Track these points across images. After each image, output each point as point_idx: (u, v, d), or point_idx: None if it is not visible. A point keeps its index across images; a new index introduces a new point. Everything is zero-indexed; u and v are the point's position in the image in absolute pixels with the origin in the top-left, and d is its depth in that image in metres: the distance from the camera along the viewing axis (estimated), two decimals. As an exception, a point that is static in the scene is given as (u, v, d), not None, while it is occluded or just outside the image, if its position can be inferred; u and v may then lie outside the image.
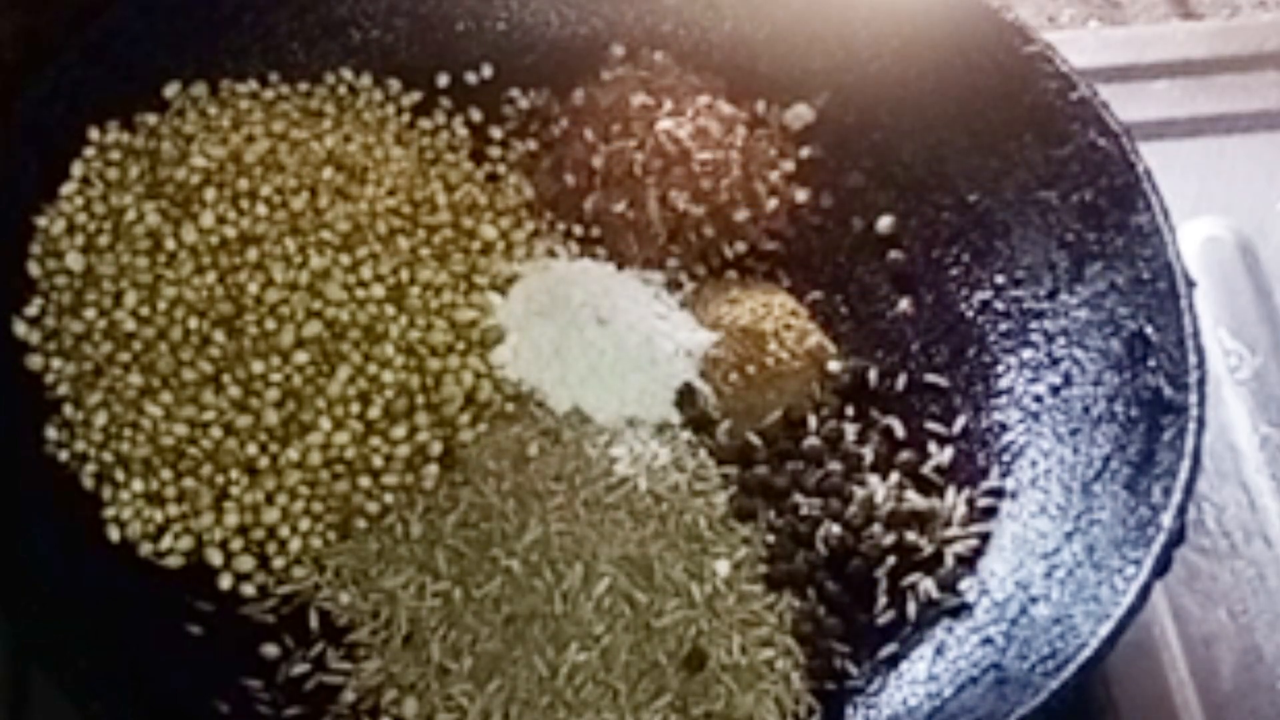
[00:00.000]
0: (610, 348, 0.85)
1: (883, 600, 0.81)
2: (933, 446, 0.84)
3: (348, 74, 0.92)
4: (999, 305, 0.87)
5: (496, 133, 0.92)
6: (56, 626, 0.76)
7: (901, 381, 0.86)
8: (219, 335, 0.83)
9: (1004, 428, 0.84)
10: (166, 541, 0.81)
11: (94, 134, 0.87)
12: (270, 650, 0.79)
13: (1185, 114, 0.99)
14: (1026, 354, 0.86)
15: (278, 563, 0.81)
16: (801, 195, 0.92)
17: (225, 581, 0.80)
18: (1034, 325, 0.86)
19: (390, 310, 0.85)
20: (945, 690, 0.78)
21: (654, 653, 0.78)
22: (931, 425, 0.85)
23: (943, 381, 0.87)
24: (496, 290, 0.87)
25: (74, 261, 0.84)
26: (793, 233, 0.91)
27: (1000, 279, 0.88)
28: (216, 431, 0.82)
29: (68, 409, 0.82)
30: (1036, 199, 0.87)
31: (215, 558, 0.81)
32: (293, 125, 0.88)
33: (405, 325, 0.85)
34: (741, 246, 0.90)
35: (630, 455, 0.82)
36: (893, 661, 0.79)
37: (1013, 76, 0.88)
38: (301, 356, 0.83)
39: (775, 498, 0.83)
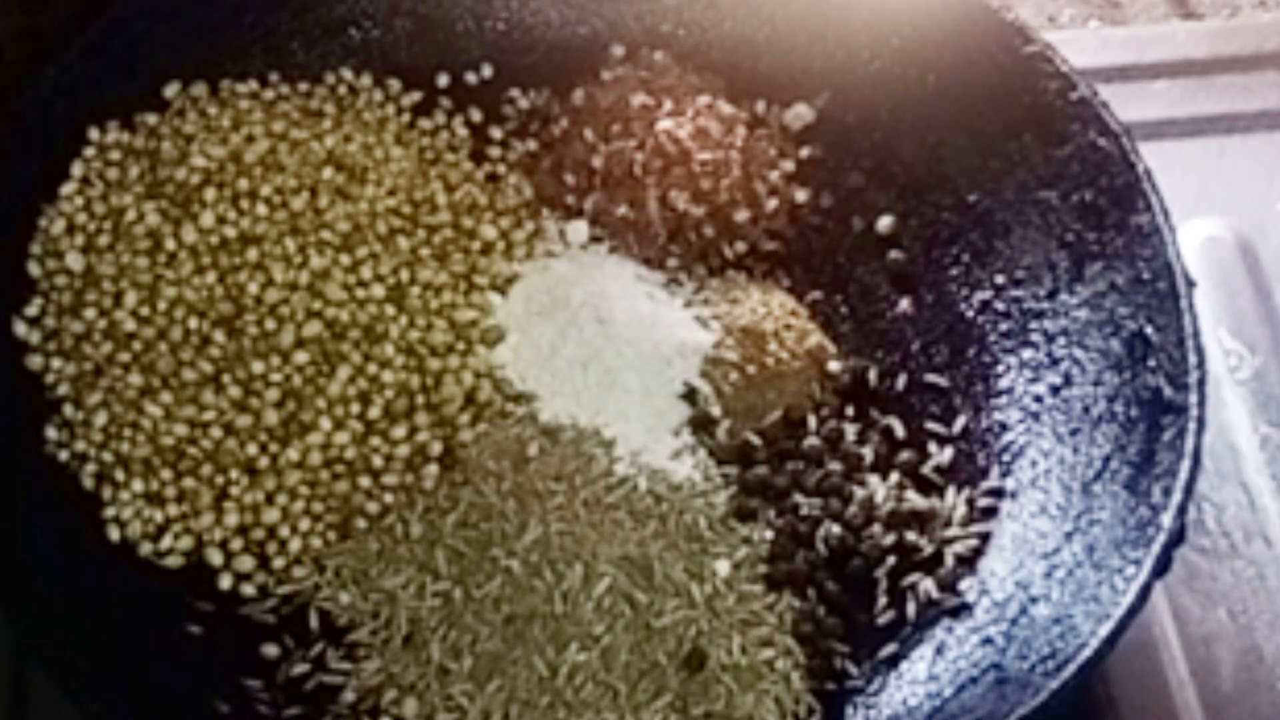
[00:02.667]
0: (610, 348, 0.85)
1: (883, 600, 0.81)
2: (933, 446, 0.84)
3: (348, 74, 0.92)
4: (999, 305, 0.87)
5: (496, 133, 0.92)
6: (56, 626, 0.76)
7: (901, 381, 0.86)
8: (219, 335, 0.83)
9: (1004, 428, 0.84)
10: (166, 541, 0.81)
11: (94, 134, 0.87)
12: (270, 650, 0.79)
13: (1185, 114, 0.99)
14: (1026, 354, 0.86)
15: (278, 563, 0.81)
16: (801, 195, 0.92)
17: (225, 581, 0.80)
18: (1034, 325, 0.86)
19: (390, 310, 0.85)
20: (945, 690, 0.78)
21: (654, 653, 0.78)
22: (931, 425, 0.85)
23: (943, 381, 0.87)
24: (496, 290, 0.87)
25: (74, 261, 0.84)
26: (793, 233, 0.91)
27: (1000, 279, 0.88)
28: (216, 431, 0.82)
29: (68, 409, 0.82)
30: (1036, 199, 0.87)
31: (215, 558, 0.81)
32: (293, 125, 0.88)
33: (405, 325, 0.85)
34: (741, 246, 0.90)
35: (630, 455, 0.82)
36: (893, 661, 0.79)
37: (1013, 76, 0.88)
38: (301, 356, 0.83)
39: (775, 498, 0.83)
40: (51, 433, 0.82)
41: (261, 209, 0.85)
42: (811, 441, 0.84)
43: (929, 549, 0.81)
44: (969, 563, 0.81)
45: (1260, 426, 0.89)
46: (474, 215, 0.89)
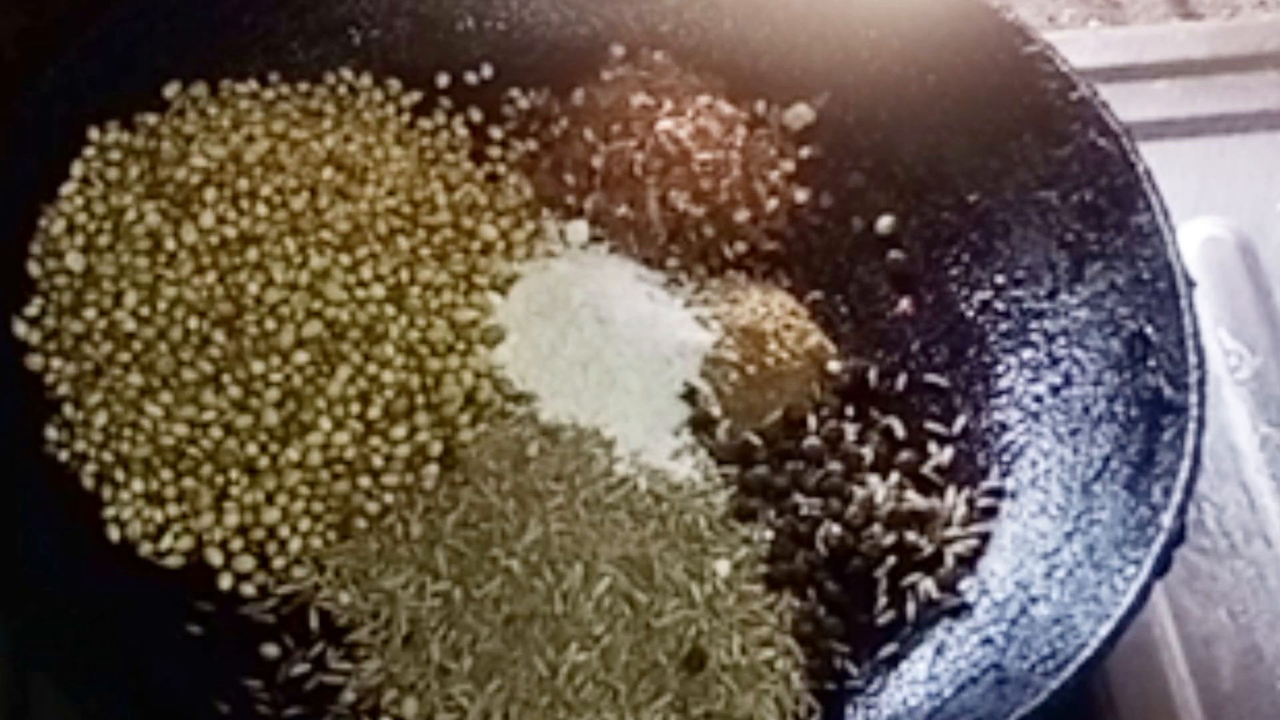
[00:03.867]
0: (610, 348, 0.85)
1: (883, 600, 0.81)
2: (933, 446, 0.84)
3: (348, 74, 0.92)
4: (999, 305, 0.87)
5: (496, 133, 0.92)
6: (56, 626, 0.76)
7: (901, 381, 0.86)
8: (219, 335, 0.83)
9: (1004, 428, 0.84)
10: (166, 541, 0.81)
11: (94, 134, 0.87)
12: (270, 650, 0.79)
13: (1185, 114, 0.99)
14: (1026, 354, 0.86)
15: (278, 563, 0.81)
16: (801, 195, 0.92)
17: (225, 581, 0.80)
18: (1034, 325, 0.86)
19: (390, 310, 0.85)
20: (945, 690, 0.78)
21: (654, 653, 0.78)
22: (931, 425, 0.85)
23: (943, 381, 0.87)
24: (496, 290, 0.87)
25: (74, 261, 0.84)
26: (793, 233, 0.91)
27: (1000, 279, 0.88)
28: (216, 431, 0.82)
29: (68, 409, 0.82)
30: (1036, 199, 0.87)
31: (215, 558, 0.81)
32: (293, 125, 0.88)
33: (405, 325, 0.85)
34: (741, 246, 0.90)
35: (630, 455, 0.82)
36: (893, 661, 0.79)
37: (1013, 76, 0.88)
38: (301, 356, 0.83)
39: (775, 498, 0.83)
40: (51, 433, 0.82)
41: (261, 209, 0.85)
42: (811, 441, 0.84)
43: (929, 549, 0.81)
44: (969, 563, 0.81)
45: (1260, 426, 0.89)
46: (474, 215, 0.89)
